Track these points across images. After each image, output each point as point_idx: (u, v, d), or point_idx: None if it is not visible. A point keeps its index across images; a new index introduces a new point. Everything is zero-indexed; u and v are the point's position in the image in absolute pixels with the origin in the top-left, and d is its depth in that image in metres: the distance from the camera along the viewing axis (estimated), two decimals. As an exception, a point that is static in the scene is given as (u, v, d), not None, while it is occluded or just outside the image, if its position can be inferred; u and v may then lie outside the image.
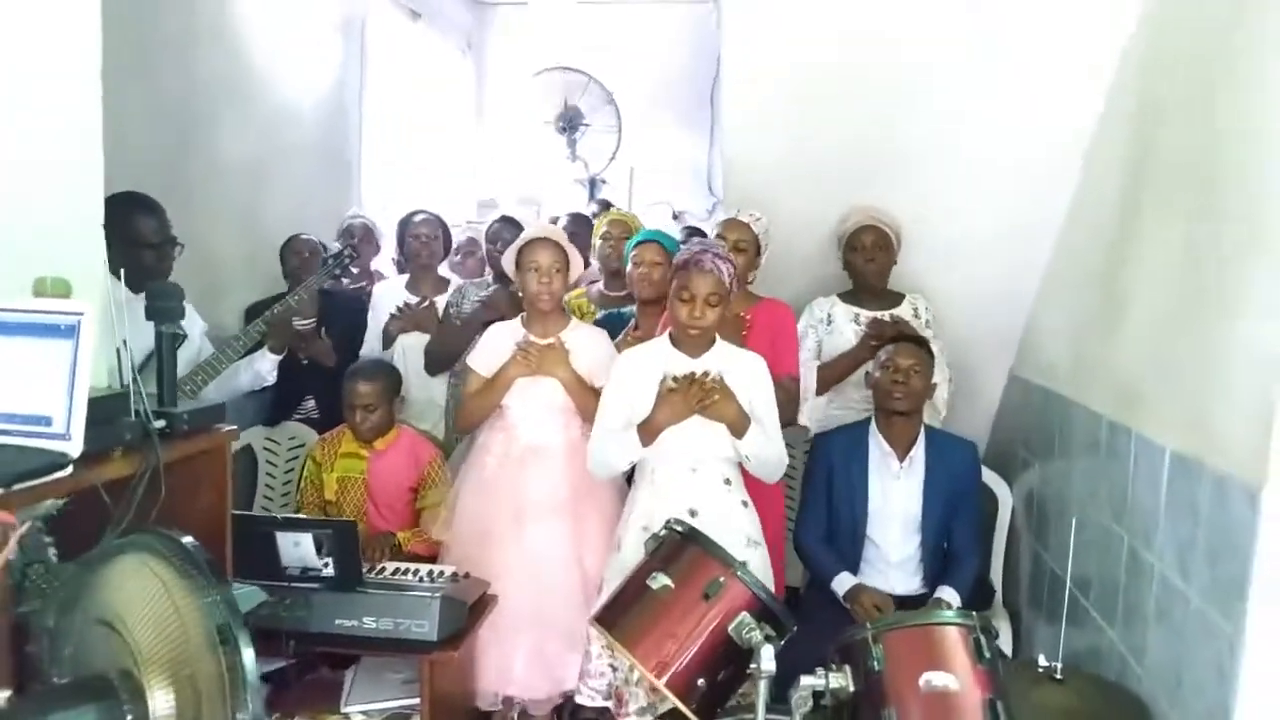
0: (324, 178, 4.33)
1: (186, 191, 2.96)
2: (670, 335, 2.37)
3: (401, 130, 5.23)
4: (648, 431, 2.24)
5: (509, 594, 2.40)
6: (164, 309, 1.66)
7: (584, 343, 2.61)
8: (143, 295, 1.71)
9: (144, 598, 1.11)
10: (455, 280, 3.48)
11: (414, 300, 3.28)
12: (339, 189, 4.49)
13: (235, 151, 3.53)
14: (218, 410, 1.76)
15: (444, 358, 3.13)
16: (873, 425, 2.65)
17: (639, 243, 2.85)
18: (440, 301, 3.29)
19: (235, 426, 1.77)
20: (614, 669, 2.26)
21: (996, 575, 2.97)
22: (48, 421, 1.40)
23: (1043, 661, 1.95)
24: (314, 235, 3.42)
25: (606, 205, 5.03)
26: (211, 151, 3.40)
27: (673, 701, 1.87)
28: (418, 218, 3.45)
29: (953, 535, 2.63)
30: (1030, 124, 2.72)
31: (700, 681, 1.81)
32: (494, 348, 2.62)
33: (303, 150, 4.09)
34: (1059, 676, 1.92)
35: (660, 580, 1.89)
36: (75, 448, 1.37)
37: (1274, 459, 1.50)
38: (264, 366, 2.83)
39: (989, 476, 2.98)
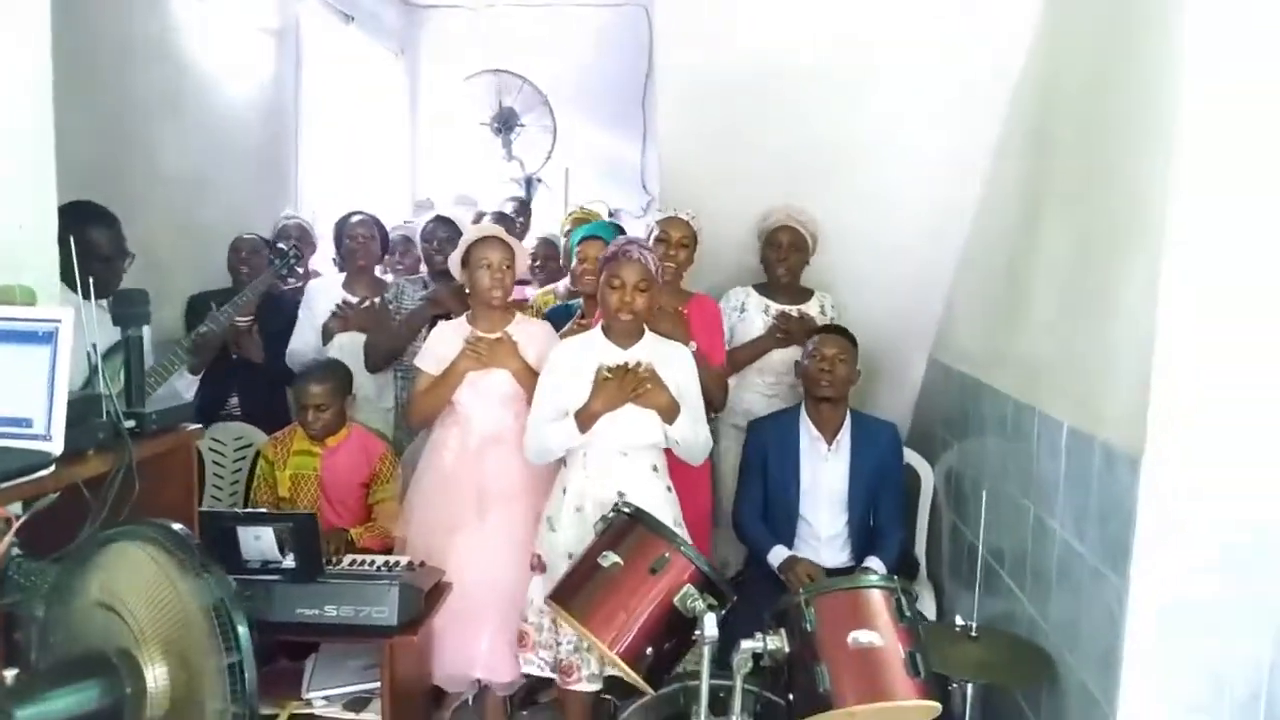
0: (262, 181, 4.35)
1: (128, 198, 2.97)
2: (603, 327, 2.50)
3: (337, 132, 5.24)
4: (585, 419, 2.37)
5: (475, 580, 2.51)
6: (131, 314, 1.73)
7: (531, 335, 2.71)
8: (96, 302, 1.77)
9: (142, 580, 1.20)
10: (391, 279, 3.55)
11: (353, 300, 3.33)
12: (277, 191, 4.50)
13: (175, 158, 3.55)
14: (184, 409, 1.84)
15: (385, 355, 3.19)
16: (802, 411, 2.83)
17: (583, 238, 2.97)
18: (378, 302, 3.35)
19: (200, 425, 1.84)
20: (559, 644, 2.40)
21: (921, 549, 3.18)
22: (28, 423, 1.46)
23: (959, 622, 2.15)
24: (256, 235, 3.45)
25: (525, 204, 5.11)
26: (152, 158, 3.43)
27: (623, 670, 2.01)
28: (355, 219, 3.50)
29: (878, 511, 2.82)
30: (942, 128, 2.93)
31: (649, 650, 1.95)
32: (441, 347, 2.70)
33: (241, 154, 4.12)
34: (974, 635, 2.12)
35: (610, 558, 2.02)
36: (56, 447, 1.44)
37: (1151, 429, 1.71)
38: (179, 385, 2.87)
39: (912, 456, 3.19)
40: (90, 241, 2.34)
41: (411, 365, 2.84)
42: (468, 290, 2.72)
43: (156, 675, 1.19)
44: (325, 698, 2.27)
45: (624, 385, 2.35)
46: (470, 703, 2.87)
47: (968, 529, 2.86)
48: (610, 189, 6.01)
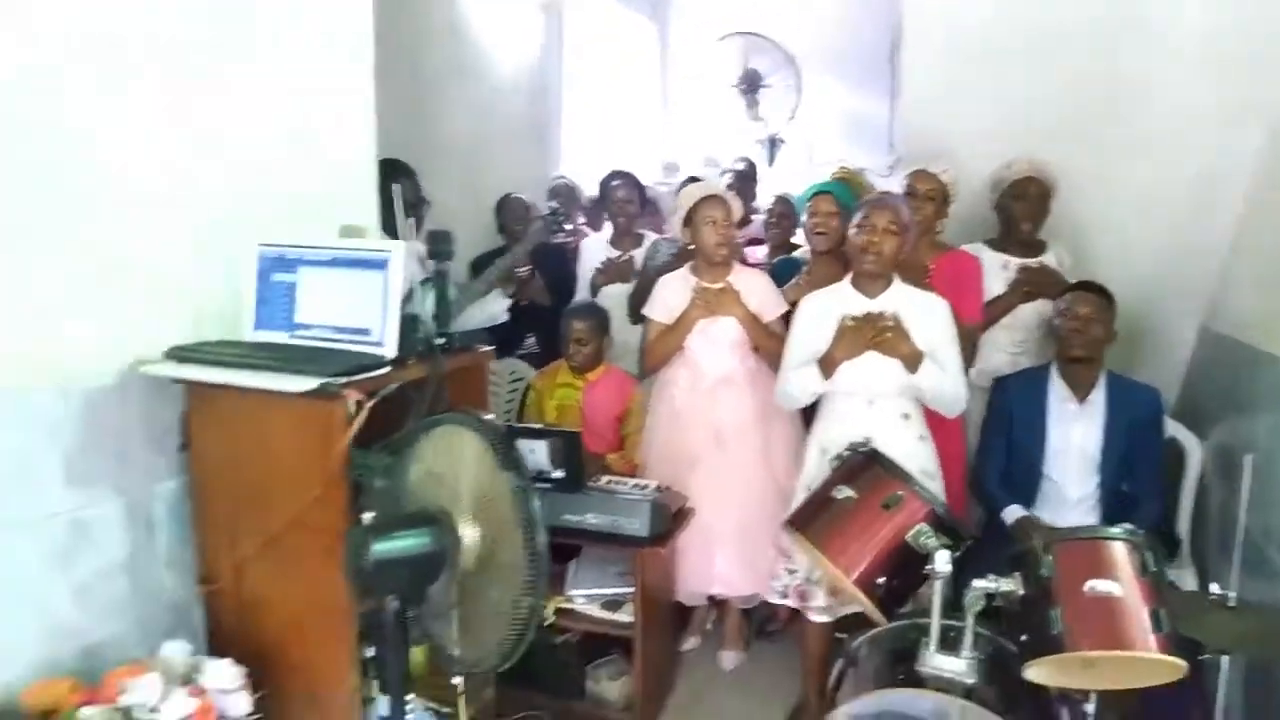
0: (531, 145, 4.79)
1: (420, 162, 3.41)
2: (852, 277, 2.56)
3: (595, 98, 5.60)
4: (826, 365, 2.45)
5: (712, 507, 2.71)
6: (442, 250, 2.04)
7: (751, 284, 2.89)
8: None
9: (461, 456, 1.48)
10: (650, 236, 3.79)
11: (615, 255, 3.62)
12: (543, 155, 4.94)
13: (458, 126, 4.00)
14: (480, 334, 2.16)
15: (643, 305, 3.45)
16: (1052, 369, 2.75)
17: (814, 194, 3.05)
18: (638, 255, 3.61)
19: (493, 348, 2.15)
20: (791, 572, 2.53)
21: (1184, 527, 2.98)
22: (367, 333, 1.81)
23: (1215, 590, 2.05)
24: (524, 195, 3.85)
25: (753, 164, 5.16)
26: (439, 126, 3.88)
27: (854, 598, 2.12)
28: (615, 181, 3.78)
29: (1132, 477, 2.69)
30: (1214, 89, 2.71)
31: (880, 580, 2.05)
32: (668, 297, 2.93)
33: (514, 121, 4.56)
34: (1231, 604, 2.01)
35: (844, 492, 2.13)
36: (390, 352, 1.77)
37: None
38: (497, 307, 3.24)
39: (1179, 430, 2.98)
40: (400, 190, 2.75)
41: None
42: (691, 246, 2.91)
43: (469, 534, 1.47)
44: (585, 596, 2.56)
45: (864, 333, 2.41)
46: (713, 628, 3.12)
47: (1237, 507, 2.66)
48: (855, 148, 5.95)
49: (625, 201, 3.71)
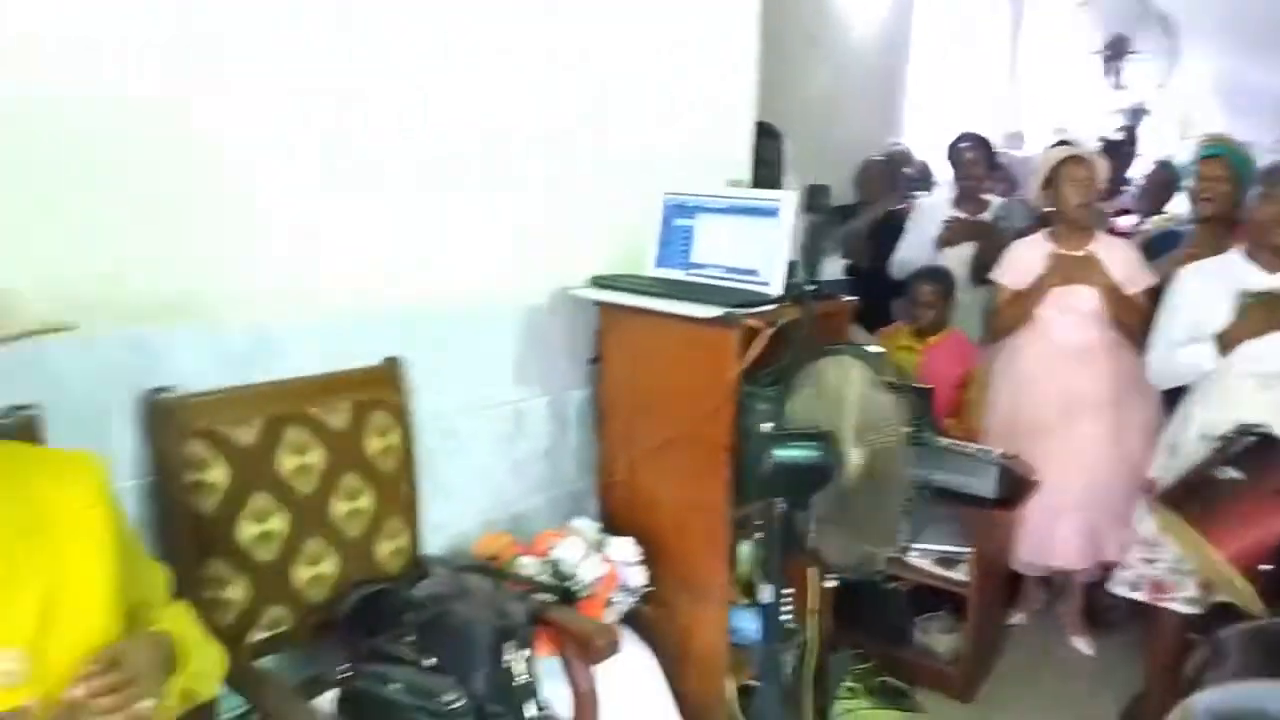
0: (877, 108, 4.84)
1: (778, 120, 3.59)
2: (1247, 249, 2.35)
3: (942, 66, 5.48)
4: (1227, 343, 2.26)
5: (1057, 480, 2.63)
6: (820, 204, 2.17)
7: (1115, 254, 2.75)
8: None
9: (850, 386, 1.61)
10: (996, 200, 3.68)
11: (961, 215, 3.56)
12: (889, 118, 4.96)
13: (811, 92, 4.14)
14: (841, 284, 2.29)
15: (990, 268, 3.37)
16: None
17: (1203, 158, 2.81)
18: (985, 218, 3.53)
19: (855, 298, 2.26)
20: (1151, 562, 2.39)
21: None
22: (755, 273, 2.00)
23: None
24: (882, 159, 3.95)
25: (1132, 132, 4.78)
26: (795, 87, 4.03)
27: (1231, 584, 1.99)
28: (963, 144, 3.70)
29: None
30: None
31: (1266, 568, 1.91)
32: (1021, 263, 2.85)
33: (862, 84, 4.62)
34: None
35: (1229, 473, 2.00)
36: (776, 291, 1.95)
37: None
38: (833, 266, 3.36)
39: None
40: (763, 151, 2.92)
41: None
42: (1048, 209, 2.83)
43: (852, 454, 1.61)
44: (919, 550, 2.61)
45: (1275, 313, 2.21)
46: (1042, 608, 3.07)
47: None
48: (1236, 119, 5.32)
49: (973, 163, 3.64)
